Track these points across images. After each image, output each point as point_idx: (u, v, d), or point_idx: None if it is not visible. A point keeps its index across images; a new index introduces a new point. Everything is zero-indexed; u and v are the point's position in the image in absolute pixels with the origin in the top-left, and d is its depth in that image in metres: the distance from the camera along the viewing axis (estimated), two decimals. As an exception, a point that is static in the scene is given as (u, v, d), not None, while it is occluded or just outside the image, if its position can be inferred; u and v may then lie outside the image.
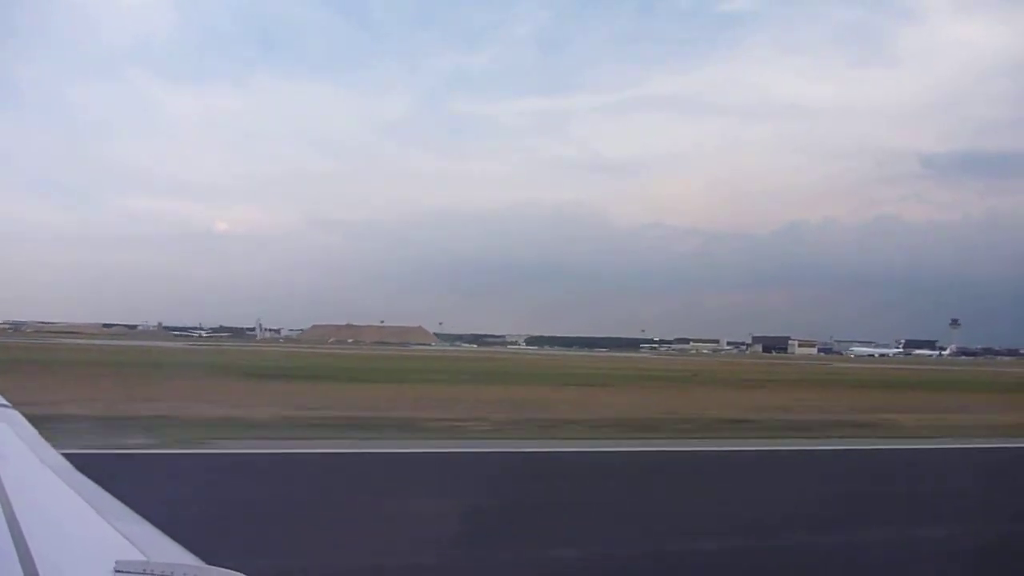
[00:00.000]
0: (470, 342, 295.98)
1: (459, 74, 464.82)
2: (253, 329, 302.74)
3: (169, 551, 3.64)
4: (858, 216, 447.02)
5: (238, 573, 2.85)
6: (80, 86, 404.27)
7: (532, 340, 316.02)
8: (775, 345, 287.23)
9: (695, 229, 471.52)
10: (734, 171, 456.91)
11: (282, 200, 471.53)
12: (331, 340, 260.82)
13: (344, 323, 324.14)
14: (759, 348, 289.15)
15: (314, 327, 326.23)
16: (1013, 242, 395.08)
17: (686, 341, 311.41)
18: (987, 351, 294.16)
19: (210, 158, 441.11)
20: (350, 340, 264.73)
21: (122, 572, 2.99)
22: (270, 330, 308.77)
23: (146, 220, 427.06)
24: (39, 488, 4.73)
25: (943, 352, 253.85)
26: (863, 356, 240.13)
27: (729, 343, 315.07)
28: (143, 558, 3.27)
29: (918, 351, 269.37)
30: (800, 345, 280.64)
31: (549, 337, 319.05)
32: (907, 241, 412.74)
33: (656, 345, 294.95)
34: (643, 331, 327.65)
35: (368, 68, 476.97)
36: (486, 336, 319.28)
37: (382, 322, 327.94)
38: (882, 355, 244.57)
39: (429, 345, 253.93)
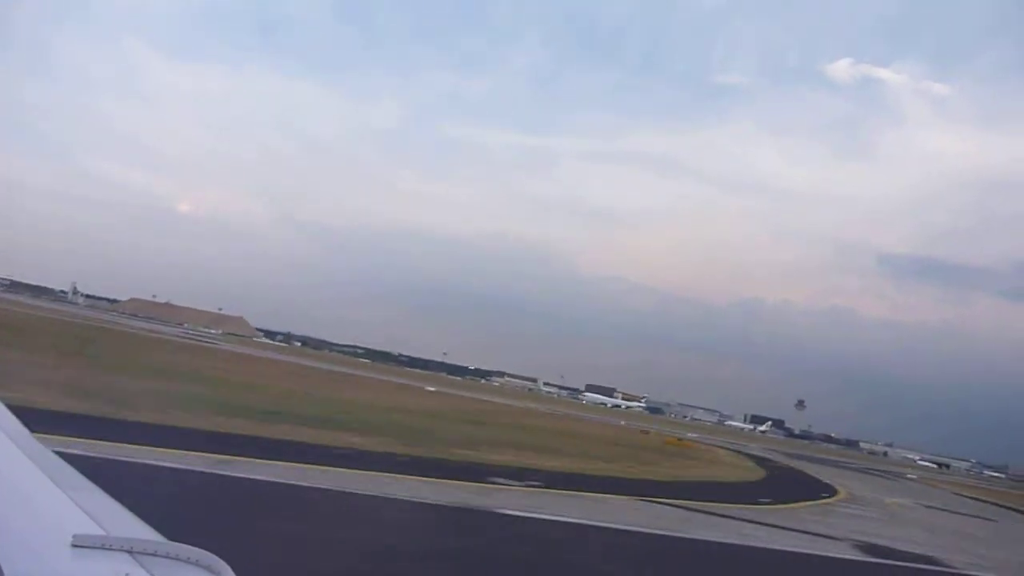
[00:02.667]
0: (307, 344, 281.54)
1: (451, 96, 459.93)
2: (64, 291, 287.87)
3: (128, 524, 3.73)
4: (811, 301, 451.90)
5: (195, 548, 3.11)
6: (73, 42, 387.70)
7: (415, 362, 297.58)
8: (604, 393, 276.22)
9: (654, 288, 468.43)
10: (702, 237, 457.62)
11: (252, 190, 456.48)
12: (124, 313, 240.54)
13: (164, 301, 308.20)
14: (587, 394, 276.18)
15: (132, 299, 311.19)
16: (935, 351, 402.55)
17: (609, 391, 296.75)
18: (810, 435, 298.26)
19: (189, 135, 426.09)
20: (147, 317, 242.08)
21: (80, 546, 3.12)
22: (86, 295, 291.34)
23: (106, 185, 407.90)
24: None
25: (757, 428, 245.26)
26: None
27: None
28: (101, 531, 3.39)
29: (747, 426, 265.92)
30: (624, 398, 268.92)
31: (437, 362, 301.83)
32: (844, 332, 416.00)
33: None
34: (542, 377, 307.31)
35: (362, 74, 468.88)
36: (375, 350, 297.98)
37: (220, 310, 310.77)
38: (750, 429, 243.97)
39: (241, 336, 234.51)
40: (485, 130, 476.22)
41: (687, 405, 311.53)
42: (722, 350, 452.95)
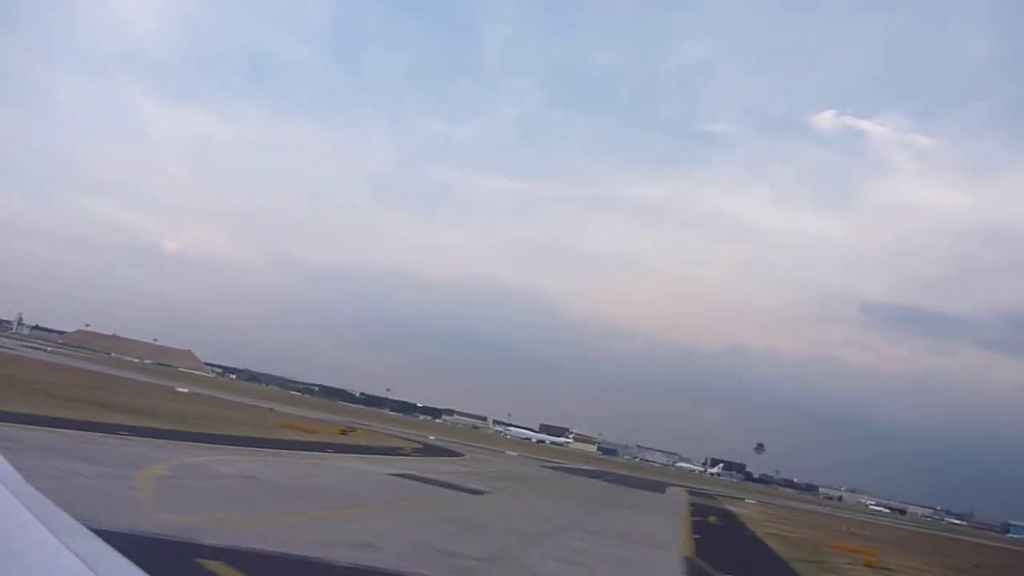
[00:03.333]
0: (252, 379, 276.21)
1: (440, 141, 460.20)
2: (9, 322, 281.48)
3: (120, 569, 3.76)
4: (795, 349, 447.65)
5: None
6: (68, 81, 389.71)
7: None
8: (556, 433, 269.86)
9: (639, 333, 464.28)
10: (687, 284, 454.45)
11: (235, 227, 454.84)
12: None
13: (111, 333, 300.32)
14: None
15: (79, 331, 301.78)
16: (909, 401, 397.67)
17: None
18: (769, 479, 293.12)
19: (179, 176, 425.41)
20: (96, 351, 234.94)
21: None
22: (33, 327, 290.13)
23: (94, 223, 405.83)
24: None
25: (708, 470, 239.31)
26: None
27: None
28: None
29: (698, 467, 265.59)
30: (576, 439, 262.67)
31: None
32: (826, 381, 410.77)
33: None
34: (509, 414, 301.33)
35: (352, 118, 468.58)
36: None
37: (155, 340, 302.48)
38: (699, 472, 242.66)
39: (191, 372, 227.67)
40: (473, 175, 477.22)
41: (645, 447, 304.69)
42: (705, 396, 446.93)
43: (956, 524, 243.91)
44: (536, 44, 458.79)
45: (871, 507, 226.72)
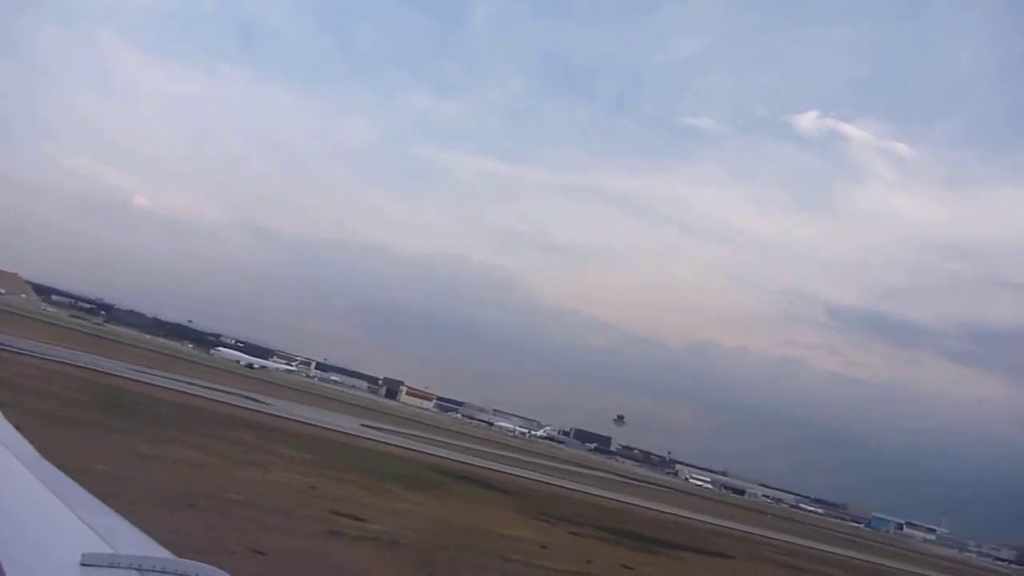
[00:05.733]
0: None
1: (425, 119, 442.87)
2: None
3: (137, 543, 3.94)
4: (764, 349, 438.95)
5: (204, 564, 3.31)
6: (51, 31, 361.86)
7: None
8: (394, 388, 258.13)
9: (610, 324, 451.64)
10: (661, 278, 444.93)
11: (213, 191, 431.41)
12: None
13: None
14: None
15: None
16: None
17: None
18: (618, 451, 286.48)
19: (156, 133, 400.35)
20: None
21: (88, 564, 3.30)
22: None
23: (68, 174, 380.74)
24: (2, 478, 4.74)
25: (534, 433, 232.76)
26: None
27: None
28: (109, 550, 3.57)
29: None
30: (410, 393, 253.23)
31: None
32: (792, 383, 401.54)
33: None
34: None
35: (339, 89, 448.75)
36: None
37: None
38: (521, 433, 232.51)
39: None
40: (455, 155, 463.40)
41: (500, 412, 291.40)
42: (674, 393, 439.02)
43: (804, 510, 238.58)
44: (524, 30, 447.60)
45: (694, 482, 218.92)
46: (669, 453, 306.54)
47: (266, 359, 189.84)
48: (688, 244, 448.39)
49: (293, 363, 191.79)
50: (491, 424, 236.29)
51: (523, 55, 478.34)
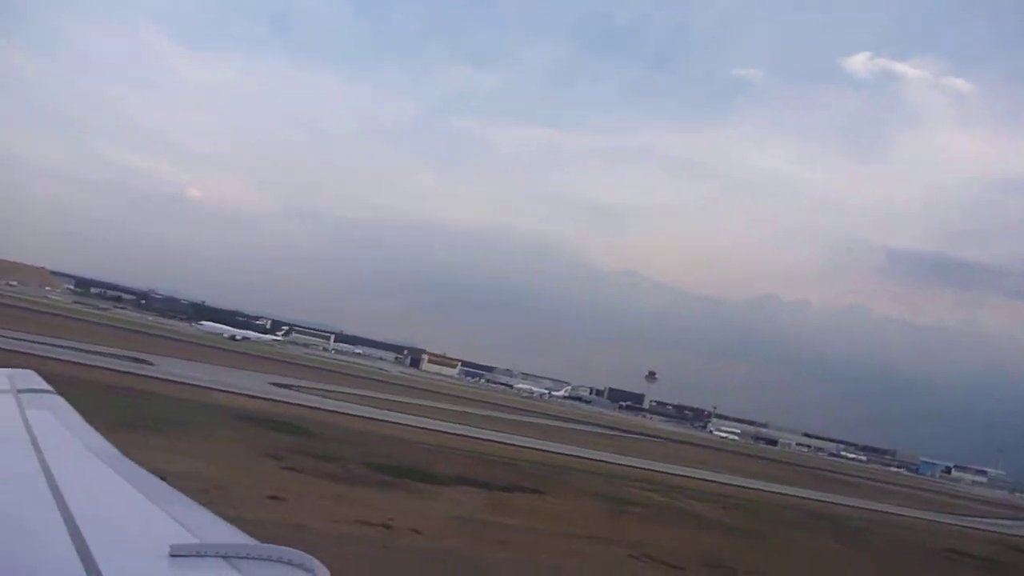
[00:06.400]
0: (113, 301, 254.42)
1: (465, 91, 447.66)
2: None
3: (222, 532, 4.11)
4: (824, 299, 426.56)
5: (289, 549, 3.48)
6: (93, 31, 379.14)
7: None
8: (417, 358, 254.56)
9: (667, 285, 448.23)
10: (715, 235, 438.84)
11: (258, 178, 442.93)
12: None
13: None
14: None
15: None
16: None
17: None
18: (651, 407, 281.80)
19: (198, 122, 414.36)
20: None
21: (177, 555, 3.46)
22: None
23: (119, 170, 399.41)
24: (88, 475, 5.06)
25: (554, 393, 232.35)
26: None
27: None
28: (196, 540, 3.74)
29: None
30: (431, 360, 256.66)
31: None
32: (855, 331, 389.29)
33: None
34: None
35: (377, 69, 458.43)
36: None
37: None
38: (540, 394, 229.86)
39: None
40: (498, 126, 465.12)
41: (529, 375, 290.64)
42: (734, 349, 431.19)
43: (844, 457, 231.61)
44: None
45: (718, 434, 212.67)
46: (714, 408, 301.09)
47: (284, 335, 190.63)
48: (741, 198, 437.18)
49: (279, 332, 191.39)
50: (511, 387, 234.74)
51: (560, 17, 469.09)
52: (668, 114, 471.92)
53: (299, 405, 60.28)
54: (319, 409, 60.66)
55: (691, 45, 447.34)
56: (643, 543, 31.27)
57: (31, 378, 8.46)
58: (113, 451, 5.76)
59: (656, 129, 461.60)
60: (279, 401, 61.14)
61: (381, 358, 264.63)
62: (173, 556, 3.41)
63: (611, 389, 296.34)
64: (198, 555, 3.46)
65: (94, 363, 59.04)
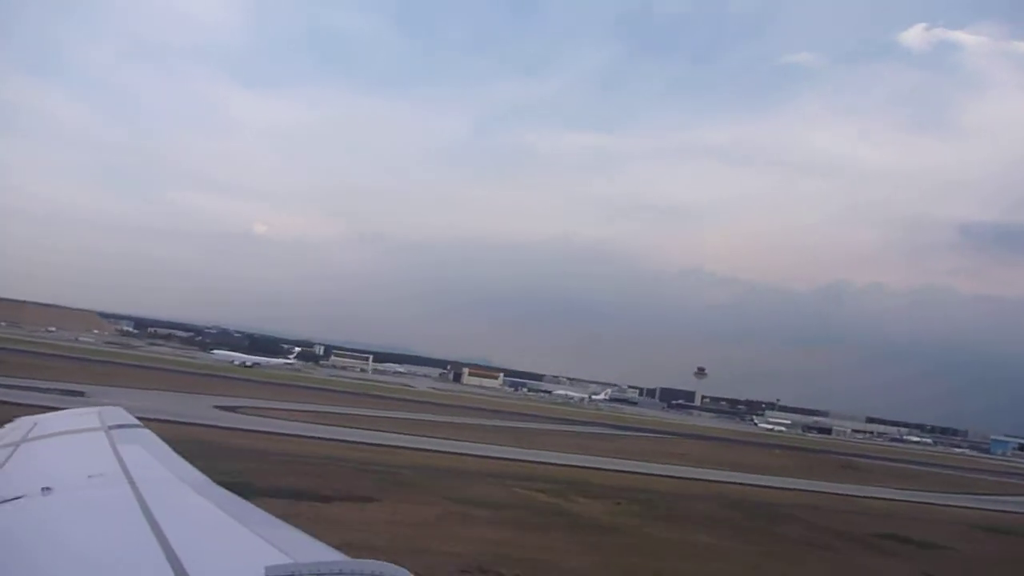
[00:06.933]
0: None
1: (513, 103, 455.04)
2: None
3: (315, 551, 4.24)
4: (898, 280, 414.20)
5: (384, 563, 3.57)
6: (148, 78, 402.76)
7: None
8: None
9: (733, 279, 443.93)
10: (778, 224, 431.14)
11: (321, 208, 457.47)
12: None
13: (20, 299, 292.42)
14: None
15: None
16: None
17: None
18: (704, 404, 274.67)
19: (263, 162, 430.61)
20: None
21: None
22: None
23: (187, 213, 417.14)
24: (181, 504, 5.25)
25: (594, 397, 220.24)
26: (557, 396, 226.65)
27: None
28: (290, 560, 3.88)
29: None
30: (472, 374, 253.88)
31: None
32: (932, 311, 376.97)
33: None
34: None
35: (428, 89, 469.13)
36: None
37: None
38: (580, 399, 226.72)
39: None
40: (549, 134, 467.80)
41: (576, 380, 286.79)
42: (805, 338, 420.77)
43: (908, 441, 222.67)
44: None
45: (763, 427, 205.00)
46: (777, 400, 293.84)
47: (295, 357, 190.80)
48: (801, 185, 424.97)
49: (291, 355, 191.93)
50: (549, 393, 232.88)
51: (604, 19, 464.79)
52: (720, 107, 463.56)
53: (219, 427, 58.52)
54: (237, 429, 58.93)
55: (737, 35, 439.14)
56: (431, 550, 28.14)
57: (120, 414, 9.01)
58: (203, 479, 6.02)
59: (709, 123, 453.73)
60: (203, 425, 59.43)
61: (426, 375, 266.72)
62: None
63: (662, 389, 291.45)
64: (293, 575, 3.58)
65: (15, 399, 58.49)
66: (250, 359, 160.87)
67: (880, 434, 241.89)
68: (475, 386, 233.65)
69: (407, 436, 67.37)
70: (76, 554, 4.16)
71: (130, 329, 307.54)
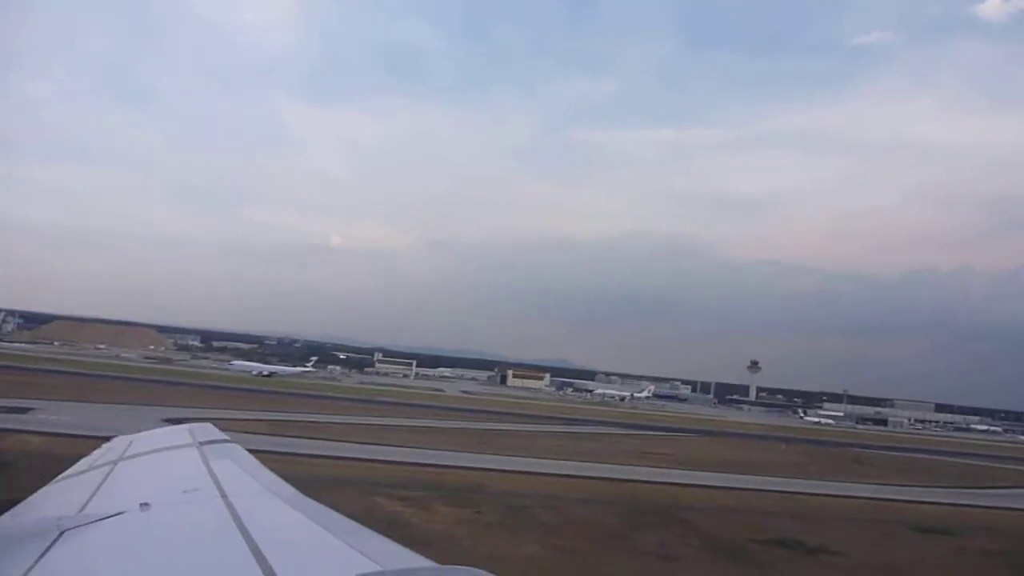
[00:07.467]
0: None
1: (578, 102, 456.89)
2: None
3: (404, 559, 4.34)
4: (989, 263, 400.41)
5: (470, 568, 3.68)
6: (222, 101, 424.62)
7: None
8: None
9: (813, 268, 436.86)
10: (856, 210, 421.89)
11: (397, 219, 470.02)
12: None
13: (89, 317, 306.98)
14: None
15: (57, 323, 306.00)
16: None
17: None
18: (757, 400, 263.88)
19: (331, 174, 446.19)
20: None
21: None
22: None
23: (265, 229, 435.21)
24: (272, 515, 5.50)
25: (636, 395, 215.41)
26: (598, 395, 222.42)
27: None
28: (378, 567, 3.98)
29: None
30: (516, 376, 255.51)
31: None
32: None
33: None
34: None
35: (491, 94, 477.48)
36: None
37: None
38: (621, 397, 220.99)
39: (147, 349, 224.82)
40: (615, 132, 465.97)
41: (632, 377, 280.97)
42: (888, 326, 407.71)
43: (973, 430, 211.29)
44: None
45: (810, 419, 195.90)
46: (845, 391, 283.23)
47: (313, 365, 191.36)
48: (877, 168, 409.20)
49: (308, 363, 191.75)
50: (590, 392, 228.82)
51: (665, 12, 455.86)
52: (789, 95, 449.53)
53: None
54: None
55: (803, 21, 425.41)
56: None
57: (210, 430, 9.43)
58: (292, 490, 6.18)
59: (779, 112, 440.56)
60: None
61: (474, 378, 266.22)
62: None
63: (717, 384, 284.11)
64: None
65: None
66: (267, 368, 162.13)
67: (946, 423, 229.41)
68: (518, 388, 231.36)
69: (348, 444, 64.72)
70: (175, 567, 4.38)
71: (195, 343, 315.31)
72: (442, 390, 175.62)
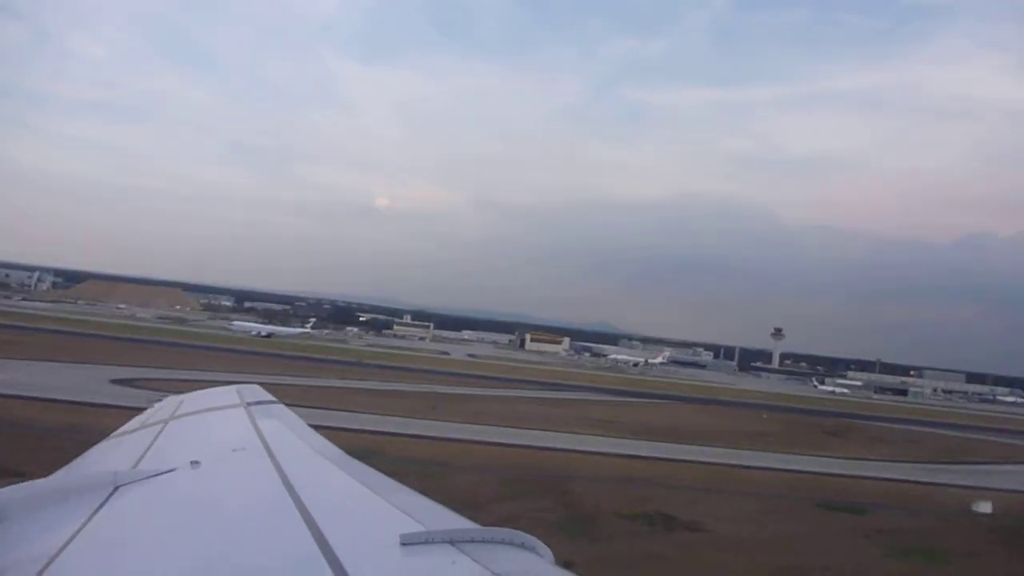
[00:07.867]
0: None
1: (631, 61, 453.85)
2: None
3: (448, 519, 4.47)
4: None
5: (513, 530, 3.82)
6: (273, 60, 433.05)
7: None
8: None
9: (865, 233, 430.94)
10: (912, 173, 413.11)
11: (445, 179, 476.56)
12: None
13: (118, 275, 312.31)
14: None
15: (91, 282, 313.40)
16: None
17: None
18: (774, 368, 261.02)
19: (382, 134, 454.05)
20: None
21: (408, 543, 3.82)
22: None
23: (313, 189, 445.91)
24: (319, 475, 5.69)
25: (651, 360, 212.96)
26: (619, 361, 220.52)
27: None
28: (423, 528, 4.07)
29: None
30: (534, 339, 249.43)
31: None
32: None
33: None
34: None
35: (541, 53, 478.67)
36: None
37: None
38: (635, 363, 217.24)
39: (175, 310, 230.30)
40: (667, 92, 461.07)
41: (651, 340, 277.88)
42: (942, 294, 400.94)
43: (997, 400, 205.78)
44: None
45: (824, 388, 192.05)
46: (878, 359, 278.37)
47: (312, 327, 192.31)
48: (938, 129, 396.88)
49: (307, 324, 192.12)
50: (604, 357, 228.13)
51: None
52: (845, 52, 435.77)
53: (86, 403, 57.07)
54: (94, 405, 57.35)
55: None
56: None
57: (257, 392, 9.60)
58: (338, 451, 6.32)
59: (835, 70, 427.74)
60: (70, 403, 58.10)
61: (495, 342, 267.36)
62: (404, 544, 3.78)
63: (741, 349, 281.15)
64: (427, 542, 3.79)
65: None
66: (265, 329, 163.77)
67: (972, 394, 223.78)
68: (534, 352, 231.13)
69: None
70: (224, 522, 4.54)
71: (227, 303, 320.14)
72: (448, 353, 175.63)
